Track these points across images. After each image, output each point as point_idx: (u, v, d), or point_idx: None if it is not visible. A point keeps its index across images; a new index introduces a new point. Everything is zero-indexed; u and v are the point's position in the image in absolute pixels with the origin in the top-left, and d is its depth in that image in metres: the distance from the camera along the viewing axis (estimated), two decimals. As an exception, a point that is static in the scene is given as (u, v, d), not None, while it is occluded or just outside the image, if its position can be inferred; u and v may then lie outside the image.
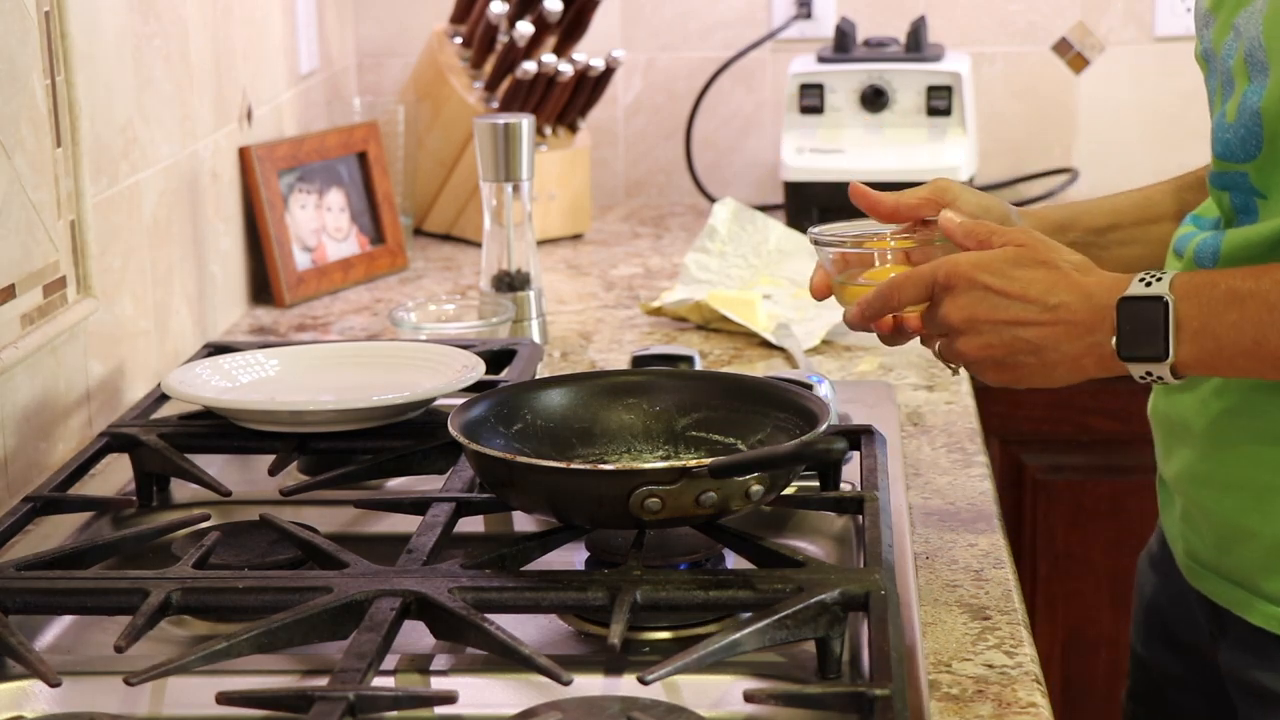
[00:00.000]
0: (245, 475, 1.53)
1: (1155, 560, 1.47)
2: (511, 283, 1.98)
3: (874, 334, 1.30)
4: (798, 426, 1.28)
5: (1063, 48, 2.77)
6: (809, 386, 1.43)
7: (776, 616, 1.09)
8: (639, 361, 1.68)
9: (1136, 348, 1.15)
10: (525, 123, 1.95)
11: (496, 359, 1.68)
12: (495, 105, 2.50)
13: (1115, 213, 1.45)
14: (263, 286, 2.25)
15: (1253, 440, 1.24)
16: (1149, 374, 1.15)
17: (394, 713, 1.05)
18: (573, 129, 2.58)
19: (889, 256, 1.30)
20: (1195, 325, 1.14)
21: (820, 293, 1.34)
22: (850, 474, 1.41)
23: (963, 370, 1.27)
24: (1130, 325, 1.15)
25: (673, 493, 1.17)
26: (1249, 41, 1.20)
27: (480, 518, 1.38)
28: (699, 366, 1.68)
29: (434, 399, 1.51)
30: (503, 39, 2.47)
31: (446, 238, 2.60)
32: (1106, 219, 1.44)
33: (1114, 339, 1.15)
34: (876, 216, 1.34)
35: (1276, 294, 1.13)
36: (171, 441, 1.48)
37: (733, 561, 1.27)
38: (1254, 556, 1.26)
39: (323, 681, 1.05)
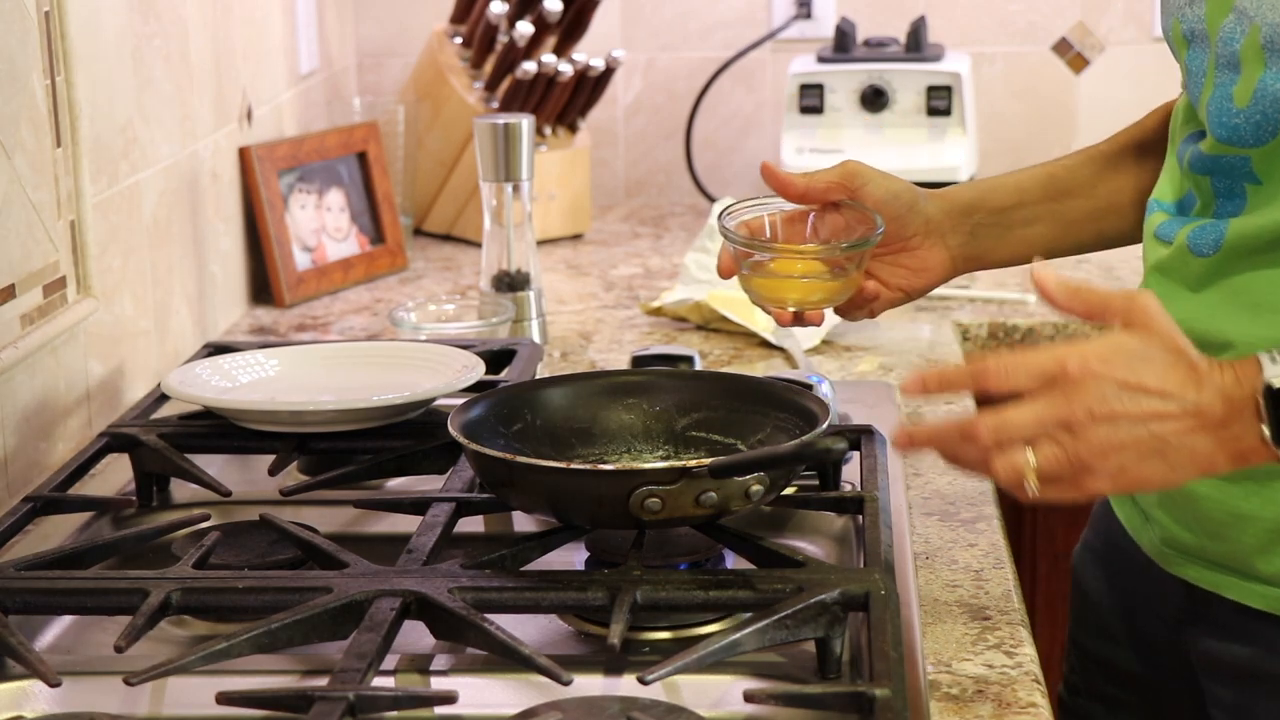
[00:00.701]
0: (245, 475, 1.53)
1: (1097, 554, 1.47)
2: (511, 283, 1.98)
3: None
4: (798, 426, 1.28)
5: (1063, 48, 2.77)
6: (809, 386, 1.43)
7: (776, 616, 1.09)
8: (639, 361, 1.68)
9: None
10: (525, 123, 1.95)
11: (496, 359, 1.68)
12: (495, 105, 2.50)
13: (1020, 190, 1.43)
14: (263, 286, 2.25)
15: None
16: None
17: (394, 713, 1.05)
18: (573, 129, 2.58)
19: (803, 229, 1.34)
20: None
21: (726, 274, 1.35)
22: (850, 474, 1.41)
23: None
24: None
25: (673, 493, 1.17)
26: (1268, 27, 1.18)
27: (480, 518, 1.38)
28: (699, 366, 1.68)
29: (434, 399, 1.51)
30: (503, 39, 2.47)
31: (446, 238, 2.60)
32: (1012, 197, 1.42)
33: (1265, 428, 1.06)
34: (787, 198, 1.35)
35: None
36: (171, 441, 1.48)
37: (733, 561, 1.27)
38: (1250, 540, 1.25)
39: (323, 681, 1.05)
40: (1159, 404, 1.06)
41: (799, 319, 1.32)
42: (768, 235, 1.35)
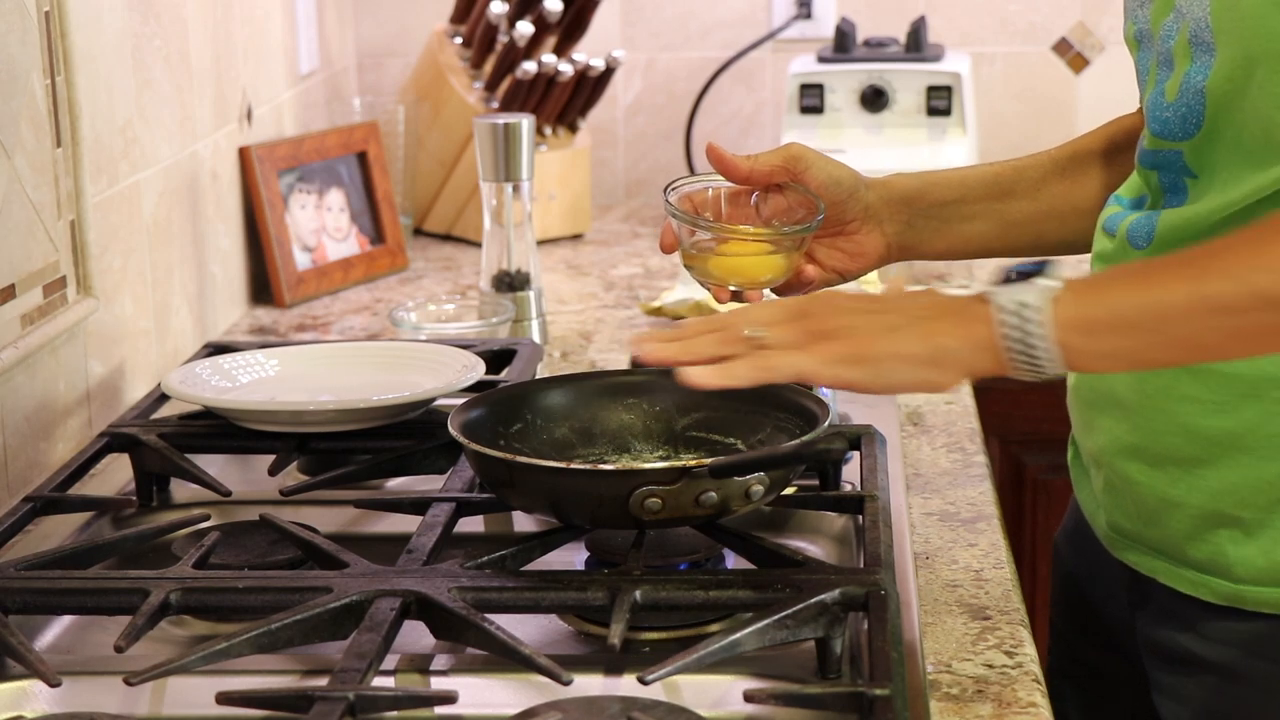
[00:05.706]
0: (245, 475, 1.53)
1: (1071, 537, 1.48)
2: (511, 283, 1.98)
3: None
4: (798, 426, 1.28)
5: (1063, 48, 2.77)
6: (809, 386, 1.43)
7: (776, 616, 1.09)
8: (639, 361, 1.68)
9: (1015, 288, 1.08)
10: (525, 123, 1.95)
11: (496, 359, 1.68)
12: (495, 105, 2.50)
13: (964, 186, 1.44)
14: (263, 286, 2.25)
15: (1183, 414, 1.25)
16: (1023, 307, 1.07)
17: (394, 713, 1.05)
18: (573, 129, 2.58)
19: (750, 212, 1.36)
20: (1080, 285, 1.09)
21: (668, 249, 1.36)
22: (850, 474, 1.41)
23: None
24: (1012, 280, 1.10)
25: (673, 493, 1.17)
26: (1194, 22, 1.20)
27: (480, 518, 1.38)
28: (699, 366, 1.68)
29: (434, 399, 1.51)
30: (503, 39, 2.47)
31: (446, 238, 2.60)
32: (954, 192, 1.44)
33: (992, 289, 1.09)
34: (731, 180, 1.35)
35: (1176, 260, 1.10)
36: (171, 441, 1.48)
37: (733, 561, 1.27)
38: (1180, 526, 1.27)
39: (323, 681, 1.05)
40: (891, 304, 1.13)
41: (737, 296, 1.33)
42: (711, 212, 1.36)
